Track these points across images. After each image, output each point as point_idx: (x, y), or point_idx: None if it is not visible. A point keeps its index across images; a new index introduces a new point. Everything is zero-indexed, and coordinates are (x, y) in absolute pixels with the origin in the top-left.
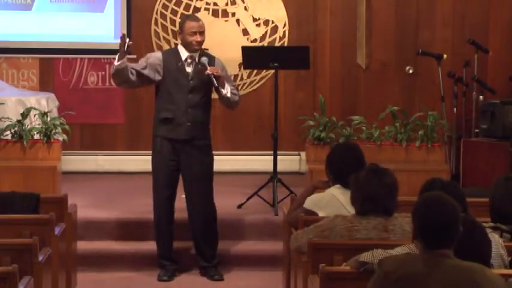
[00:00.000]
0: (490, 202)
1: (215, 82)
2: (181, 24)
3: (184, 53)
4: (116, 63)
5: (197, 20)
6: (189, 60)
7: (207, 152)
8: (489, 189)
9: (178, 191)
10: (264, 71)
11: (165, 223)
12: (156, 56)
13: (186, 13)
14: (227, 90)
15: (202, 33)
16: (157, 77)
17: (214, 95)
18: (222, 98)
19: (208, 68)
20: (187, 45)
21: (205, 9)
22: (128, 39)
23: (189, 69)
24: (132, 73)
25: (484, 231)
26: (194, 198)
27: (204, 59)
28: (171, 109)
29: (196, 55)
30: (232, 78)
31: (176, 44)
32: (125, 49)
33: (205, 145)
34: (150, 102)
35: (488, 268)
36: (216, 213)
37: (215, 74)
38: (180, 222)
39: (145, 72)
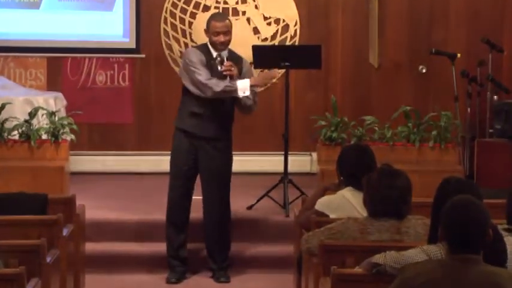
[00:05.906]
0: (507, 203)
1: (229, 79)
2: (207, 23)
3: (213, 51)
4: (240, 90)
5: (222, 19)
6: (219, 59)
7: (227, 153)
8: (508, 190)
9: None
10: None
11: (177, 222)
12: (199, 53)
13: (196, 12)
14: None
15: (227, 33)
16: None
17: None
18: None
19: (225, 63)
20: (213, 45)
21: (216, 7)
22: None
23: (220, 67)
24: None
25: (499, 233)
26: (211, 199)
27: (224, 53)
28: (202, 105)
29: (224, 54)
30: None
31: (188, 44)
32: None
33: (226, 145)
34: (159, 102)
35: None
36: (230, 216)
37: (228, 74)
38: (192, 224)
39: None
